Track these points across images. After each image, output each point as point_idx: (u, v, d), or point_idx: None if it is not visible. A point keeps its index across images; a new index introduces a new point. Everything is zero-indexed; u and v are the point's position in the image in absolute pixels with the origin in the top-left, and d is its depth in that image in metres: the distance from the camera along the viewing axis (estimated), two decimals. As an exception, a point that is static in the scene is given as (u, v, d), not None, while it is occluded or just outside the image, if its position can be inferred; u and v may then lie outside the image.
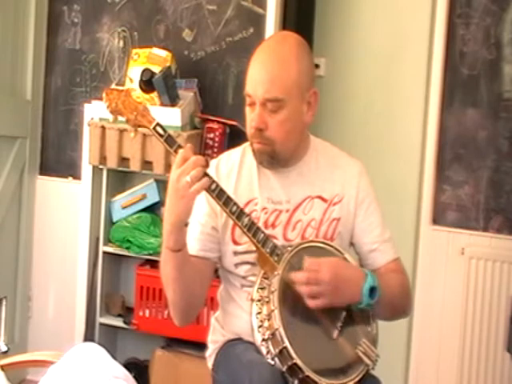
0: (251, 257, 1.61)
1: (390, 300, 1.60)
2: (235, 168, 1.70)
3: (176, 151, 1.52)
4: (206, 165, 1.48)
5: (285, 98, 1.57)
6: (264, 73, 1.59)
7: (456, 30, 2.62)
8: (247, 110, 1.63)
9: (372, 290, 1.52)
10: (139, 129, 1.58)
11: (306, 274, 1.48)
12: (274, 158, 1.62)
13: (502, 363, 2.56)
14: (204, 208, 1.65)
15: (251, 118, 1.61)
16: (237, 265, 1.65)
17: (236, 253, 1.65)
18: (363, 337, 1.56)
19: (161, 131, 1.53)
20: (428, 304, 2.65)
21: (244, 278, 1.65)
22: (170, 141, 1.54)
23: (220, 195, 1.53)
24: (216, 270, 1.80)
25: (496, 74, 2.58)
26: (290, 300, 1.50)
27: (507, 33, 2.56)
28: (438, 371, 2.68)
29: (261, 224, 1.62)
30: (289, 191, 1.67)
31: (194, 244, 1.62)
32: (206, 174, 1.47)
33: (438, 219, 2.68)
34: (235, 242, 1.64)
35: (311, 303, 1.49)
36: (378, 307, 1.56)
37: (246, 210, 1.60)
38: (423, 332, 2.70)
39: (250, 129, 1.62)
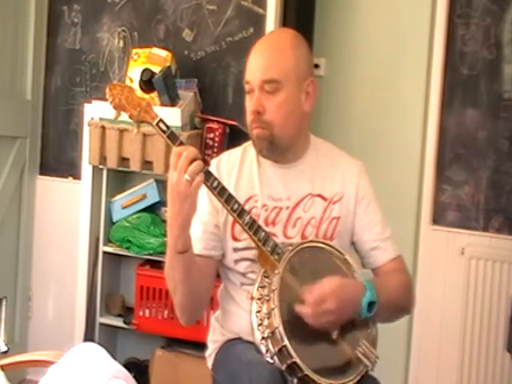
0: (251, 253, 1.61)
1: (390, 304, 1.60)
2: (236, 166, 1.71)
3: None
4: (199, 156, 1.46)
5: (282, 79, 1.59)
6: (261, 58, 1.63)
7: (456, 30, 2.62)
8: (247, 98, 1.66)
9: (370, 304, 1.52)
10: (141, 126, 1.58)
11: (311, 309, 1.47)
12: (273, 144, 1.63)
13: (501, 363, 2.56)
14: (206, 206, 1.65)
15: (250, 104, 1.63)
16: (236, 261, 1.66)
17: (236, 249, 1.65)
18: (363, 338, 1.56)
19: (164, 127, 1.53)
20: (428, 304, 2.65)
21: (243, 274, 1.66)
22: (172, 137, 1.53)
23: (222, 193, 1.53)
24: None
25: (496, 74, 2.58)
26: (291, 300, 1.49)
27: (507, 33, 2.57)
28: (438, 371, 2.67)
29: (261, 221, 1.62)
30: (289, 188, 1.68)
31: (197, 243, 1.62)
32: (206, 170, 1.47)
33: (438, 219, 2.68)
34: (235, 239, 1.65)
35: (319, 328, 1.49)
36: (378, 313, 1.56)
37: (246, 207, 1.61)
38: (423, 332, 2.70)
39: (249, 115, 1.64)
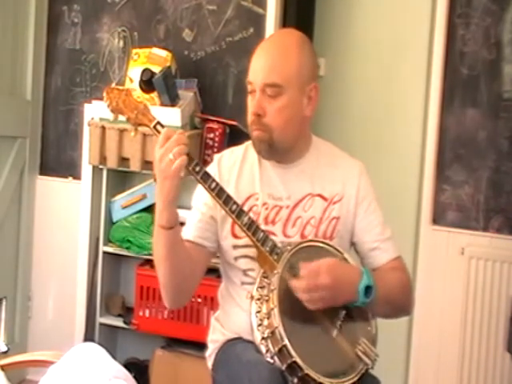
0: (251, 251, 1.61)
1: (388, 298, 1.59)
2: (237, 163, 1.72)
3: None
4: (187, 142, 1.49)
5: (284, 84, 1.59)
6: (264, 60, 1.63)
7: (456, 30, 2.62)
8: (248, 98, 1.66)
9: (367, 289, 1.52)
10: (139, 128, 1.59)
11: (305, 282, 1.47)
12: (272, 147, 1.63)
13: (502, 363, 2.56)
14: (204, 198, 1.67)
15: (251, 105, 1.63)
16: (236, 258, 1.66)
17: (236, 246, 1.66)
18: (362, 336, 1.56)
19: (161, 130, 1.54)
20: (428, 304, 2.65)
21: (244, 272, 1.66)
22: None
23: (220, 194, 1.54)
24: (217, 270, 1.81)
25: (496, 74, 2.58)
26: (290, 299, 1.50)
27: (507, 33, 2.57)
28: (437, 371, 2.68)
29: (261, 220, 1.64)
30: (289, 187, 1.68)
31: (192, 230, 1.65)
32: (188, 155, 1.48)
33: (438, 219, 2.68)
34: (235, 236, 1.65)
35: (312, 307, 1.49)
36: (376, 305, 1.56)
37: (247, 205, 1.64)
38: (423, 332, 2.70)
39: (249, 116, 1.64)
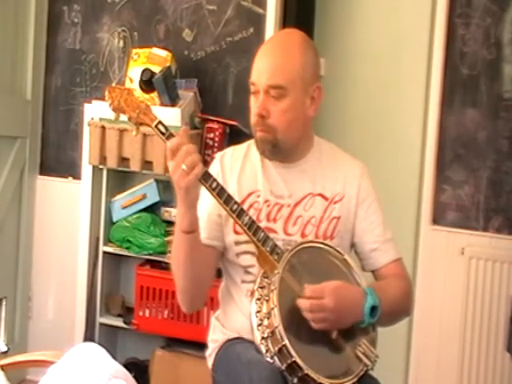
0: (252, 247, 1.61)
1: (391, 311, 1.60)
2: (239, 160, 1.73)
3: None
4: (196, 150, 1.49)
5: (287, 86, 1.60)
6: (267, 61, 1.63)
7: (456, 30, 2.62)
8: (251, 99, 1.66)
9: (373, 309, 1.52)
10: (140, 127, 1.59)
11: (309, 301, 1.48)
12: (276, 147, 1.64)
13: (502, 363, 2.56)
14: (210, 198, 1.66)
15: (255, 106, 1.64)
16: (238, 254, 1.67)
17: (237, 243, 1.66)
18: (362, 337, 1.56)
19: (163, 129, 1.54)
20: (428, 304, 2.65)
21: (245, 268, 1.66)
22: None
23: (221, 194, 1.54)
24: (217, 270, 1.81)
25: (496, 74, 2.58)
26: (290, 299, 1.50)
27: (507, 33, 2.57)
28: (438, 371, 2.67)
29: (263, 216, 1.65)
30: (291, 186, 1.69)
31: (200, 232, 1.64)
32: (205, 171, 1.49)
33: (437, 219, 2.68)
34: (236, 232, 1.66)
35: (316, 326, 1.49)
36: (379, 320, 1.56)
37: (248, 201, 1.65)
38: (423, 332, 2.70)
39: (253, 117, 1.65)
